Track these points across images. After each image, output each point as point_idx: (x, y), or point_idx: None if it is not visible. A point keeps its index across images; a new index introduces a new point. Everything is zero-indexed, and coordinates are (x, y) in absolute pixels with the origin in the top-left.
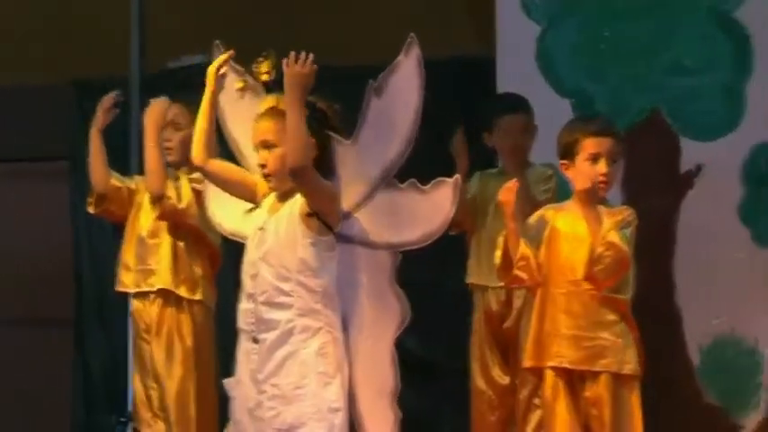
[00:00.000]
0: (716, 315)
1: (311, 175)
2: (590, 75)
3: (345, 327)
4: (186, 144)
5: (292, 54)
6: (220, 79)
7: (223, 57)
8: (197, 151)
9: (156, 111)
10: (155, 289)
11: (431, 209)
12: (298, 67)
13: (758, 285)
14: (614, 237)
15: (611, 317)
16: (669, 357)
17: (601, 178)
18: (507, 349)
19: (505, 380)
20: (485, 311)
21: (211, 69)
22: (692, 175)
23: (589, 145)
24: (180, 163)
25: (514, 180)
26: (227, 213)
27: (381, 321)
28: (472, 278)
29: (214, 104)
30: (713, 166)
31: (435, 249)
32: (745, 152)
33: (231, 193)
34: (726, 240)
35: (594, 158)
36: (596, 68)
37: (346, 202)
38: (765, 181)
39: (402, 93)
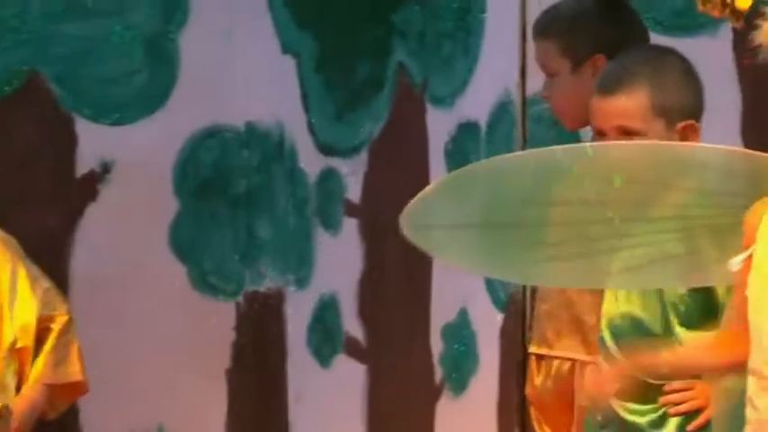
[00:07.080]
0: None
1: None
2: None
3: None
4: None
5: None
6: None
7: None
8: None
9: None
10: None
11: None
12: None
13: (197, 363)
14: None
15: None
16: None
17: None
18: None
19: None
20: None
21: None
22: (96, 178)
23: None
24: None
25: None
26: None
27: None
28: None
29: None
30: (132, 166)
31: None
32: (179, 143)
33: None
34: (150, 283)
35: None
36: None
37: None
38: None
39: None
